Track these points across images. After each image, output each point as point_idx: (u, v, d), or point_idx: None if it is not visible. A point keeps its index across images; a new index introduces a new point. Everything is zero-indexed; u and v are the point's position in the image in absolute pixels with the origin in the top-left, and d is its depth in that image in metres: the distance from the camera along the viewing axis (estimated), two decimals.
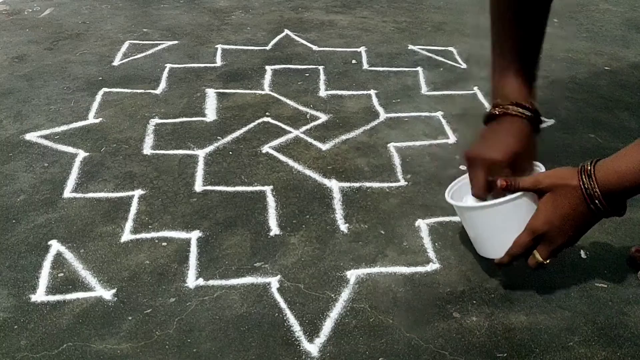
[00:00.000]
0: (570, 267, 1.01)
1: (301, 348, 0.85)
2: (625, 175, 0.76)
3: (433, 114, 1.49)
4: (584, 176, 0.79)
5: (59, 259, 1.00)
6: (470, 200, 0.93)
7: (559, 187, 0.81)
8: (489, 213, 0.88)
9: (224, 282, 0.96)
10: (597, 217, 0.81)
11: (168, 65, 1.70)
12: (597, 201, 0.78)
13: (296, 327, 0.88)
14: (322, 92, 1.58)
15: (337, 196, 1.17)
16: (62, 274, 0.97)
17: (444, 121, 1.46)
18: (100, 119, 1.43)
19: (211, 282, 0.96)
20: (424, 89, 1.62)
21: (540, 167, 0.91)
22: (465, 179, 0.97)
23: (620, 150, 0.79)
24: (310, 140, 1.36)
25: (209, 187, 1.19)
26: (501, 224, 0.87)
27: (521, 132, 0.91)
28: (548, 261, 0.85)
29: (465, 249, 1.04)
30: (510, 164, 0.89)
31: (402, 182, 1.23)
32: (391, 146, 1.35)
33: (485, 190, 0.92)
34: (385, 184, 1.22)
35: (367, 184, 1.21)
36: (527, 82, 0.94)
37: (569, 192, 0.80)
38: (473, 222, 0.93)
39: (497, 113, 0.92)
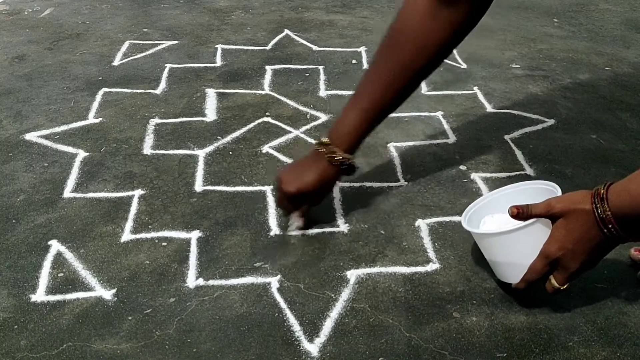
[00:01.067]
0: None
1: (301, 348, 0.85)
2: (638, 197, 0.73)
3: (433, 114, 1.49)
4: (596, 199, 0.77)
5: (59, 259, 1.00)
6: (487, 224, 0.95)
7: (571, 212, 0.80)
8: (503, 240, 0.89)
9: (224, 282, 0.96)
10: (612, 241, 0.79)
11: (168, 65, 1.70)
12: (610, 225, 0.76)
13: (296, 327, 0.88)
14: (322, 92, 1.58)
15: (337, 196, 1.17)
16: (62, 274, 0.97)
17: (444, 121, 1.46)
18: (100, 119, 1.43)
19: (211, 282, 0.96)
20: (424, 89, 1.62)
21: (556, 191, 0.90)
22: (481, 202, 0.98)
23: (635, 172, 0.76)
24: (310, 140, 1.36)
25: (209, 187, 1.19)
26: (516, 250, 0.87)
27: (323, 176, 1.01)
28: (566, 286, 0.84)
29: (465, 249, 1.04)
30: (301, 196, 1.02)
31: (402, 182, 1.23)
32: (391, 146, 1.35)
33: (286, 210, 1.07)
34: (385, 184, 1.22)
35: (367, 184, 1.21)
36: (359, 135, 1.01)
37: (581, 217, 0.79)
38: (489, 248, 0.93)
39: (318, 150, 1.02)
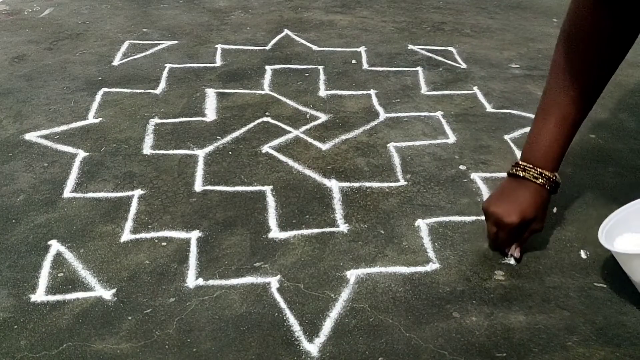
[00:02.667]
0: (570, 267, 1.01)
1: (301, 348, 0.85)
2: None
3: (433, 114, 1.49)
4: None
5: (58, 258, 1.00)
6: (627, 241, 0.93)
7: None
8: None
9: (223, 282, 0.96)
10: None
11: (168, 65, 1.70)
12: None
13: (296, 327, 0.88)
14: (322, 92, 1.58)
15: (337, 196, 1.17)
16: (62, 274, 0.97)
17: (443, 121, 1.46)
18: (100, 118, 1.43)
19: (211, 282, 0.96)
20: (423, 89, 1.62)
21: None
22: (617, 215, 0.95)
23: None
24: (310, 140, 1.37)
25: (209, 187, 1.19)
26: None
27: (537, 199, 0.97)
28: None
29: (465, 249, 1.04)
30: (522, 225, 0.97)
31: (402, 182, 1.23)
32: (391, 146, 1.35)
33: (505, 246, 1.02)
34: (385, 184, 1.22)
35: (367, 184, 1.21)
36: (559, 149, 0.98)
37: None
38: (636, 268, 0.89)
39: (520, 175, 0.98)
